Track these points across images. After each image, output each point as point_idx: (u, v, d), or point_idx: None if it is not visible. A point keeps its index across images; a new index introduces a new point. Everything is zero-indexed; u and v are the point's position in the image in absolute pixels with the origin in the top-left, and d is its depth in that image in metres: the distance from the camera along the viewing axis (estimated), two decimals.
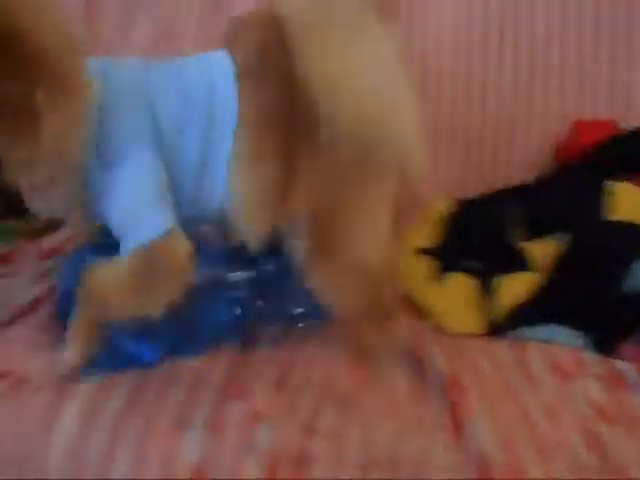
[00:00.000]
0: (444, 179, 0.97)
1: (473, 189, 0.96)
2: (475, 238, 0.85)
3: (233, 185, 0.60)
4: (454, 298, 0.77)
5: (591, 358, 0.69)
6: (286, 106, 0.58)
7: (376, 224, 0.63)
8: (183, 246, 0.58)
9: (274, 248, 0.65)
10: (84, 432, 0.56)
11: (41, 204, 0.60)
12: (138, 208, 0.57)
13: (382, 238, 0.64)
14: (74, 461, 0.55)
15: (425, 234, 0.89)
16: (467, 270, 0.80)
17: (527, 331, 0.72)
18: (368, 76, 0.59)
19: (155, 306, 0.58)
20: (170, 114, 0.59)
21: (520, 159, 1.01)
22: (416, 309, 0.77)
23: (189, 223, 0.60)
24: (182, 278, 0.58)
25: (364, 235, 0.63)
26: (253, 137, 0.59)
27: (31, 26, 0.50)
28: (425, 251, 0.85)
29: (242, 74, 0.59)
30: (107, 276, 0.58)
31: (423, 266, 0.82)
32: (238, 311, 0.69)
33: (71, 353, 0.60)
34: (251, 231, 0.62)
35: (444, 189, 0.96)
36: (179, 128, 0.59)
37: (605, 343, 0.70)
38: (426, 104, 0.76)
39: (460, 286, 0.78)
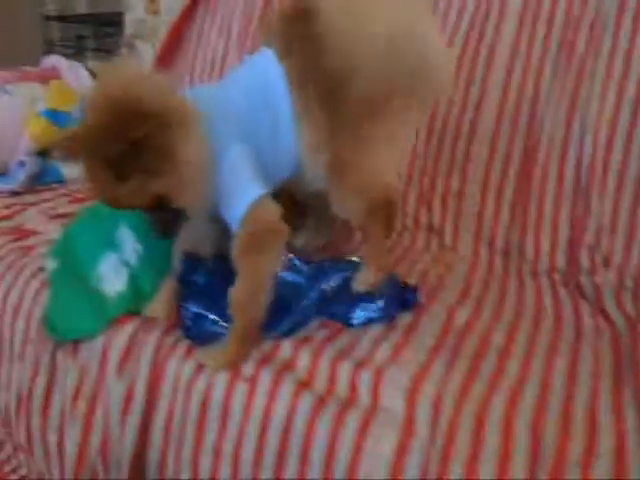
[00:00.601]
0: None
1: None
2: None
3: (298, 136, 0.78)
4: None
5: None
6: (318, 69, 0.74)
7: (398, 143, 0.81)
8: (274, 208, 0.74)
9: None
10: None
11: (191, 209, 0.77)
12: (238, 188, 0.73)
13: (401, 156, 0.87)
14: None
15: None
16: None
17: None
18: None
19: (266, 268, 0.74)
20: (244, 110, 0.77)
21: None
22: None
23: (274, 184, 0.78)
24: (278, 236, 0.74)
25: (384, 154, 0.79)
26: (300, 98, 0.76)
27: (157, 103, 0.66)
28: None
29: (282, 57, 0.77)
30: None
31: None
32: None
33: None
34: (317, 163, 0.79)
35: None
36: (254, 117, 0.77)
37: None
38: None
39: None
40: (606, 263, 1.02)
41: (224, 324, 0.79)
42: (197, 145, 0.69)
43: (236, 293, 0.74)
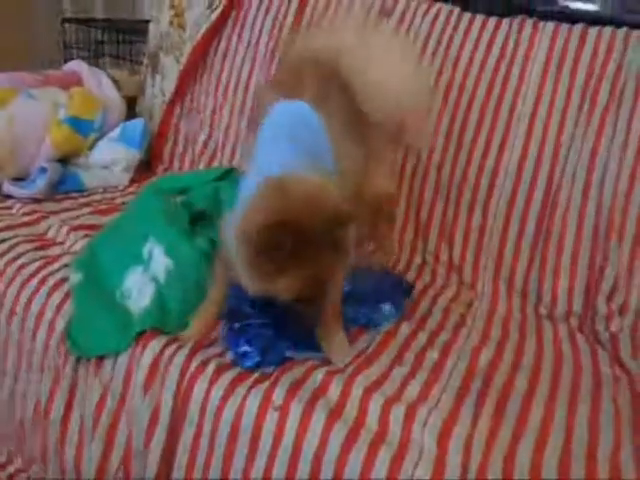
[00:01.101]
0: None
1: None
2: None
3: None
4: None
5: None
6: (349, 115, 0.93)
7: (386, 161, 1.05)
8: None
9: None
10: None
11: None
12: None
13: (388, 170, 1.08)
14: None
15: None
16: None
17: None
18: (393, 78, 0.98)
19: None
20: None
21: None
22: None
23: None
24: None
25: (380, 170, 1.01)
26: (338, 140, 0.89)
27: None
28: None
29: (316, 106, 0.88)
30: None
31: None
32: None
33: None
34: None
35: None
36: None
37: None
38: None
39: None
40: (622, 311, 1.04)
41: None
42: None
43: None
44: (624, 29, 1.16)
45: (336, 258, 0.76)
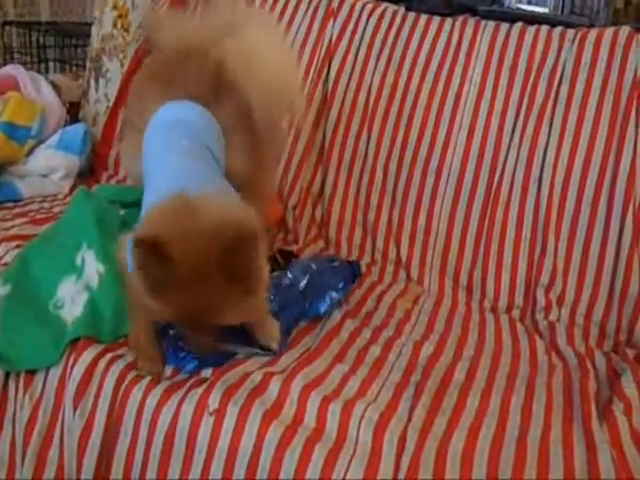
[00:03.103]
0: None
1: None
2: None
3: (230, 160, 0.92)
4: None
5: None
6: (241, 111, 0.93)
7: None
8: None
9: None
10: None
11: None
12: None
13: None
14: None
15: None
16: None
17: None
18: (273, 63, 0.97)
19: None
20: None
21: None
22: None
23: None
24: None
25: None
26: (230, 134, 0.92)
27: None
28: None
29: (203, 102, 0.91)
30: None
31: None
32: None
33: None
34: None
35: None
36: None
37: None
38: None
39: None
40: (559, 302, 1.07)
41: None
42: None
43: None
44: (559, 28, 1.20)
45: (232, 283, 0.67)
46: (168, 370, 0.80)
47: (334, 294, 0.95)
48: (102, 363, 0.79)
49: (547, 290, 1.08)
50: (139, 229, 0.69)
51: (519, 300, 1.10)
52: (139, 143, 0.90)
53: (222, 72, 0.93)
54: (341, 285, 0.97)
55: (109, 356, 0.80)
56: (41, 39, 2.16)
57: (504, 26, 1.22)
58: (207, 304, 0.67)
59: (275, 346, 0.82)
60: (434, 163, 1.20)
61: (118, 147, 1.42)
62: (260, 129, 0.97)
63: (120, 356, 0.80)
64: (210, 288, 0.66)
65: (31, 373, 0.81)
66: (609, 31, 1.15)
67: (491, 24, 1.23)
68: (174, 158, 0.82)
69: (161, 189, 0.75)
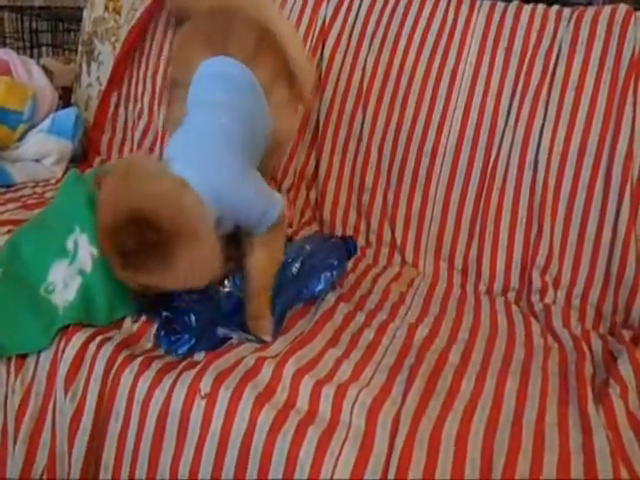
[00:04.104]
0: None
1: None
2: None
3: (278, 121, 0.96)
4: None
5: None
6: (280, 67, 0.96)
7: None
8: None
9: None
10: None
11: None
12: (268, 200, 0.86)
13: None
14: None
15: None
16: None
17: None
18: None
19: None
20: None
21: None
22: None
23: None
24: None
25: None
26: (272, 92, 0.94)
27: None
28: None
29: (246, 60, 0.91)
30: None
31: None
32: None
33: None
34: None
35: None
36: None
37: None
38: None
39: None
40: (555, 284, 1.06)
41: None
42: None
43: (272, 267, 0.86)
44: (556, 7, 1.18)
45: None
46: (160, 350, 0.80)
47: (328, 274, 0.94)
48: (92, 346, 0.78)
49: (543, 272, 1.07)
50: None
51: (515, 282, 1.09)
52: (185, 101, 0.92)
53: (265, 36, 0.95)
54: (335, 263, 0.95)
55: (99, 339, 0.79)
56: (34, 24, 2.14)
57: (500, 5, 1.20)
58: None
59: (267, 339, 0.82)
60: (429, 144, 1.18)
61: (164, 113, 1.39)
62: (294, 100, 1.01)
63: (109, 338, 0.80)
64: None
65: (22, 357, 0.81)
66: (607, 9, 1.13)
67: (487, 3, 1.21)
68: (200, 117, 0.86)
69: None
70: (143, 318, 0.85)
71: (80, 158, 1.45)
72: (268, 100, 0.93)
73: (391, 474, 0.64)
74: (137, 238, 0.72)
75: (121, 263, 0.75)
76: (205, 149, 0.82)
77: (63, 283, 0.85)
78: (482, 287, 1.11)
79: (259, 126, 0.92)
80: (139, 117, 1.49)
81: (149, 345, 0.82)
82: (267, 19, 0.97)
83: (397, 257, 1.18)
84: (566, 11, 1.16)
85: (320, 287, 0.93)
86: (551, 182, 1.09)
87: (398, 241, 1.19)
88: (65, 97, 1.58)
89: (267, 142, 0.96)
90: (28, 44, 2.10)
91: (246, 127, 0.87)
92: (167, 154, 0.82)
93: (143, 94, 1.48)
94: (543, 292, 1.06)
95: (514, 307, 1.04)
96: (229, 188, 0.80)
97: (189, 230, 0.75)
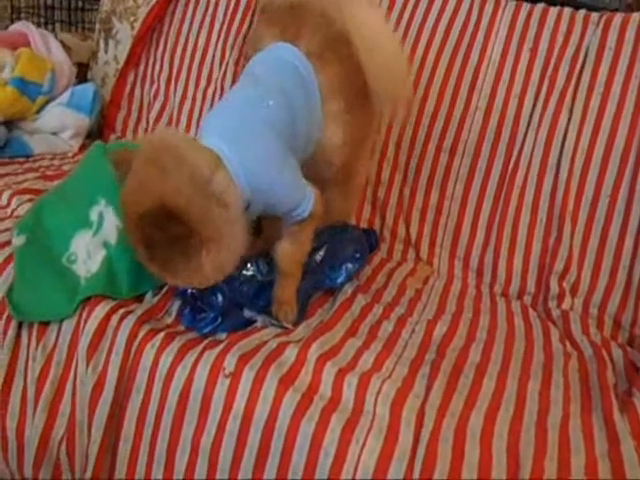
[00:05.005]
0: None
1: None
2: None
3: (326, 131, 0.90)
4: None
5: None
6: (346, 76, 0.88)
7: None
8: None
9: None
10: None
11: None
12: (303, 193, 0.83)
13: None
14: None
15: None
16: None
17: None
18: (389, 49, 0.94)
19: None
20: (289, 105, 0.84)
21: None
22: None
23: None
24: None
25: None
26: (329, 99, 0.89)
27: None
28: None
29: (311, 57, 0.87)
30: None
31: None
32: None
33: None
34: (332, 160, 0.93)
35: None
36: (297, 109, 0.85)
37: None
38: None
39: None
40: (573, 291, 1.06)
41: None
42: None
43: (297, 255, 0.85)
44: (583, 11, 1.17)
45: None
46: (181, 326, 0.79)
47: (350, 265, 0.93)
48: (115, 319, 0.77)
49: (561, 278, 1.07)
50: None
51: (531, 287, 1.09)
52: None
53: (338, 37, 0.88)
54: (358, 255, 0.95)
55: (121, 312, 0.78)
56: (49, 0, 2.11)
57: (525, 5, 1.19)
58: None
59: (289, 326, 0.81)
60: (448, 141, 1.17)
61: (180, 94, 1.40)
62: (368, 109, 0.95)
63: (131, 311, 0.79)
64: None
65: (44, 324, 0.80)
66: (635, 15, 1.12)
67: (512, 3, 1.20)
68: (247, 92, 0.85)
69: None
70: (164, 292, 0.84)
71: (96, 134, 1.43)
72: (322, 107, 0.88)
73: (417, 467, 0.64)
74: (164, 232, 0.68)
75: (145, 254, 0.72)
76: (244, 124, 0.79)
77: (86, 254, 0.84)
78: (497, 289, 1.10)
79: (302, 120, 0.86)
80: (155, 97, 1.47)
81: (170, 320, 0.81)
82: (348, 19, 0.88)
83: (411, 253, 1.17)
84: (594, 16, 1.15)
85: (341, 278, 0.93)
86: (573, 186, 1.08)
87: (413, 237, 1.18)
88: (80, 73, 1.57)
89: (311, 149, 0.91)
90: (43, 20, 2.08)
91: (291, 116, 0.83)
92: (206, 123, 0.80)
93: (160, 75, 1.47)
94: (560, 298, 1.05)
95: (531, 311, 1.03)
96: (264, 169, 0.78)
97: (216, 228, 0.71)
